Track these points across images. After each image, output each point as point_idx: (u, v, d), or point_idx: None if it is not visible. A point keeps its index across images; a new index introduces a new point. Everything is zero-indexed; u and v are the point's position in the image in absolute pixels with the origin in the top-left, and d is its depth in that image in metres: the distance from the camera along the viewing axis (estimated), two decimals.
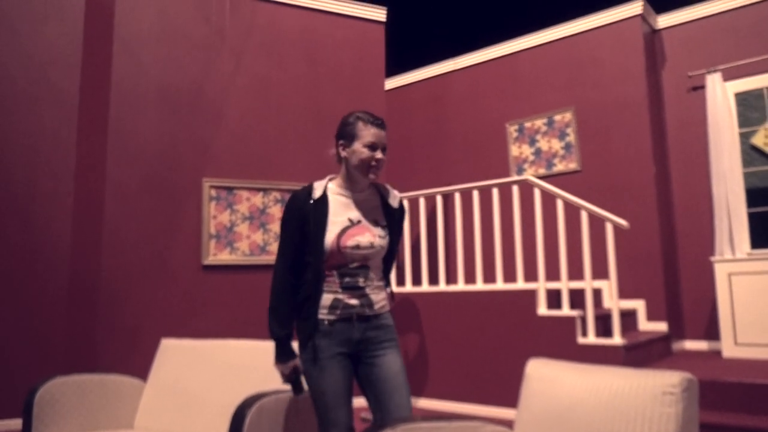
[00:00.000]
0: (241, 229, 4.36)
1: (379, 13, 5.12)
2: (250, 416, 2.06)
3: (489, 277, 5.08)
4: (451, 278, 5.64)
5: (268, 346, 2.64)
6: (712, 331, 4.81)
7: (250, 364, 2.56)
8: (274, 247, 4.43)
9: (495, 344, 4.28)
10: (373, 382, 1.94)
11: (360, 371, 1.98)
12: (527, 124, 5.71)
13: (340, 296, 1.93)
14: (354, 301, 1.94)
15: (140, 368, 3.37)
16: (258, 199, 4.44)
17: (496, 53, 6.01)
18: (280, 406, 2.22)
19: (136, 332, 4.01)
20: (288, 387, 2.08)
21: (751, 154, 4.77)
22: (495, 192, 4.55)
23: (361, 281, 1.96)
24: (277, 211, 4.49)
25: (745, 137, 4.80)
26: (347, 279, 1.94)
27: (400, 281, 5.20)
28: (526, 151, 5.71)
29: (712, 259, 4.43)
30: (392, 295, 2.12)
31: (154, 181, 4.20)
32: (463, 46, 6.24)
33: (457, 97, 6.28)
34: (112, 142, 4.12)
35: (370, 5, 5.10)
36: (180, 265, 4.19)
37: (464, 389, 4.40)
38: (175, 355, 2.82)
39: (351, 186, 2.02)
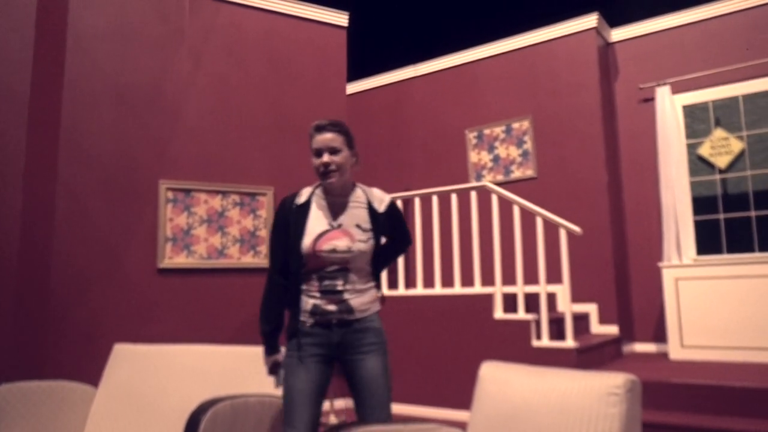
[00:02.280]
0: (199, 232, 4.30)
1: (341, 18, 5.14)
2: (205, 422, 2.04)
3: (447, 281, 5.14)
4: (410, 282, 5.69)
5: (223, 351, 2.62)
6: (660, 334, 4.99)
7: (205, 370, 2.53)
8: (232, 250, 4.39)
9: (452, 347, 4.34)
10: (354, 383, 2.00)
11: (344, 371, 2.04)
12: (486, 131, 5.82)
13: (319, 302, 1.98)
14: (332, 307, 1.98)
15: (93, 375, 3.28)
16: (216, 202, 4.39)
17: (455, 61, 6.10)
18: (235, 411, 2.20)
19: (88, 338, 3.90)
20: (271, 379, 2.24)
21: (697, 164, 4.98)
22: (454, 198, 4.61)
23: (339, 285, 1.99)
24: (235, 214, 4.44)
25: (692, 148, 5.01)
26: (326, 282, 1.99)
27: None
28: (485, 157, 5.81)
29: (660, 264, 4.60)
30: (382, 298, 2.15)
31: (109, 182, 4.11)
32: (424, 53, 6.32)
33: (417, 103, 6.35)
34: (64, 142, 4.01)
35: (332, 10, 5.11)
36: (134, 268, 4.11)
37: (421, 392, 4.44)
38: (128, 360, 2.76)
39: (328, 192, 2.07)
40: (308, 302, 2.00)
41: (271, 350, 2.09)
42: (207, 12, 4.60)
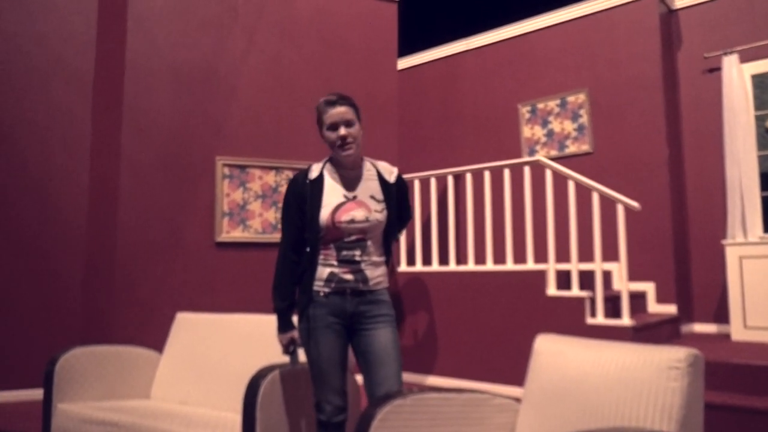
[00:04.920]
0: (254, 207, 4.40)
1: None
2: (264, 386, 2.12)
3: (499, 257, 5.09)
4: (461, 258, 5.67)
5: None
6: (721, 315, 4.81)
7: (262, 338, 2.62)
8: None
9: (504, 324, 4.32)
10: (363, 353, 2.03)
11: (353, 343, 2.07)
12: (540, 106, 5.68)
13: (336, 270, 2.02)
14: (349, 276, 2.02)
15: (154, 341, 3.44)
16: (270, 178, 4.48)
17: (508, 33, 5.95)
18: (291, 377, 2.27)
19: (150, 307, 4.09)
20: (287, 358, 2.19)
21: (766, 137, 4.72)
22: (506, 173, 4.55)
23: (357, 255, 2.03)
24: None
25: (760, 120, 4.75)
26: (344, 252, 2.02)
27: (411, 261, 5.23)
28: (539, 132, 5.68)
29: (724, 242, 4.42)
30: (392, 270, 2.17)
31: (168, 158, 4.25)
32: (476, 25, 6.19)
33: (469, 77, 6.25)
34: (126, 119, 4.16)
35: None
36: (193, 241, 4.25)
37: (473, 368, 4.45)
38: (191, 328, 2.88)
39: (341, 165, 2.10)
40: (325, 270, 2.02)
41: (285, 327, 2.11)
42: None
